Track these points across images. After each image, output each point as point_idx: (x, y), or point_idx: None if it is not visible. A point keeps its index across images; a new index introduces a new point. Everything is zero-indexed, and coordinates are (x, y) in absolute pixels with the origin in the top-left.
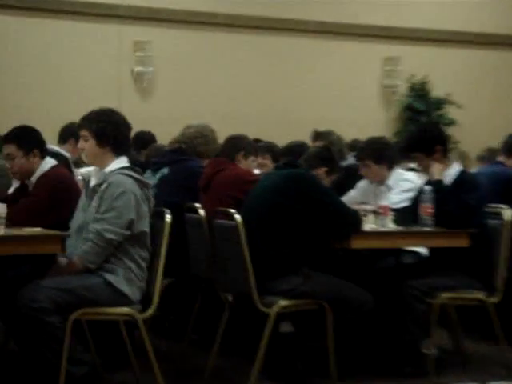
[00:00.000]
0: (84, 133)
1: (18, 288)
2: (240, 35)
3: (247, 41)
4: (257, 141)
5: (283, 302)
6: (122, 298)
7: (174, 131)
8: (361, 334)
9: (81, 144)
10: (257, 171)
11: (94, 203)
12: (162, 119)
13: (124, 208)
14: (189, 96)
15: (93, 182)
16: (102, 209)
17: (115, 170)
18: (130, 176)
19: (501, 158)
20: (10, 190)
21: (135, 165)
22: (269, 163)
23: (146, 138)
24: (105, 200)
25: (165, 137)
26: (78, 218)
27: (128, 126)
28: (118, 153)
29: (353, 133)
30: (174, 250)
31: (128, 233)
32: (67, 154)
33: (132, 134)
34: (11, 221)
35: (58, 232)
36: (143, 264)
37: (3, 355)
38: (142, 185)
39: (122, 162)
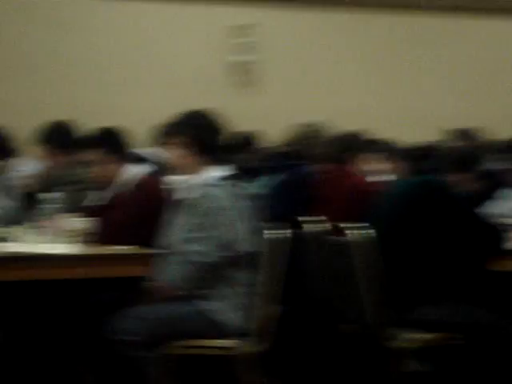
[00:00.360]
0: (171, 139)
1: (102, 316)
2: (363, 15)
3: (370, 21)
4: (382, 143)
5: (418, 336)
6: (220, 329)
7: (281, 131)
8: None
9: (168, 151)
10: (382, 177)
11: (184, 220)
12: (265, 118)
13: (218, 227)
14: (299, 90)
15: (182, 195)
16: (192, 227)
17: (207, 181)
18: (225, 188)
19: None
20: (90, 202)
21: (233, 172)
22: (395, 168)
23: (247, 140)
24: (196, 217)
25: (269, 138)
26: (167, 235)
27: (222, 130)
28: (211, 161)
29: (505, 130)
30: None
31: (223, 255)
32: (159, 159)
33: (230, 135)
34: (93, 237)
35: (147, 250)
36: (245, 290)
37: None
38: (241, 197)
39: (216, 170)
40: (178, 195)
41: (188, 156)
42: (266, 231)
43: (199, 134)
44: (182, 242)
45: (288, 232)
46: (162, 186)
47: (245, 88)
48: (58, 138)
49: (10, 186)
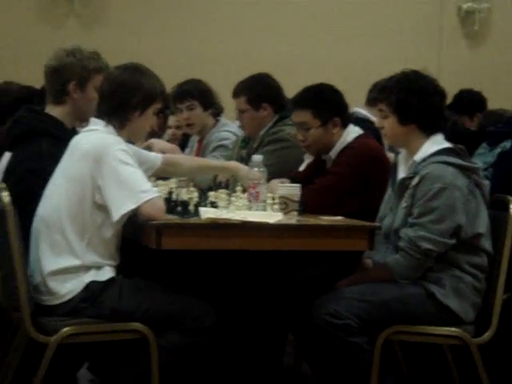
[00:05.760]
0: (382, 106)
1: (311, 295)
2: None
3: None
4: None
5: None
6: (448, 316)
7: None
8: None
9: (379, 121)
10: None
11: (404, 203)
12: (497, 73)
13: (446, 210)
14: None
15: (401, 174)
16: (416, 211)
17: (429, 157)
18: (450, 163)
19: None
20: (302, 167)
21: (462, 136)
22: None
23: (476, 100)
24: (419, 199)
25: (504, 98)
26: (384, 216)
27: (441, 94)
28: (430, 131)
29: None
30: None
31: (453, 242)
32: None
33: (454, 92)
34: (304, 206)
35: (365, 223)
36: (479, 273)
37: (295, 379)
38: (469, 171)
39: (437, 142)
40: (398, 172)
41: (398, 126)
42: (503, 204)
43: (408, 100)
44: (407, 227)
45: None
46: (380, 150)
47: (474, 40)
48: (259, 91)
49: (219, 146)
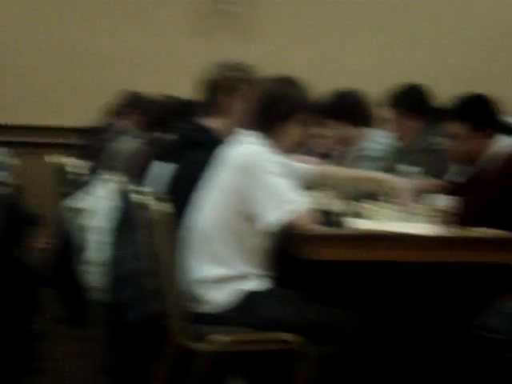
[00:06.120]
0: None
1: (466, 309)
2: None
3: None
4: None
5: None
6: None
7: None
8: None
9: None
10: None
11: None
12: None
13: None
14: None
15: None
16: None
17: None
18: None
19: None
20: (452, 177)
21: None
22: None
23: None
24: None
25: None
26: None
27: None
28: None
29: None
30: None
31: None
32: None
33: None
34: (457, 217)
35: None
36: None
37: None
38: None
39: None
40: None
41: None
42: None
43: None
44: None
45: None
46: None
47: None
48: (410, 101)
49: (363, 156)
